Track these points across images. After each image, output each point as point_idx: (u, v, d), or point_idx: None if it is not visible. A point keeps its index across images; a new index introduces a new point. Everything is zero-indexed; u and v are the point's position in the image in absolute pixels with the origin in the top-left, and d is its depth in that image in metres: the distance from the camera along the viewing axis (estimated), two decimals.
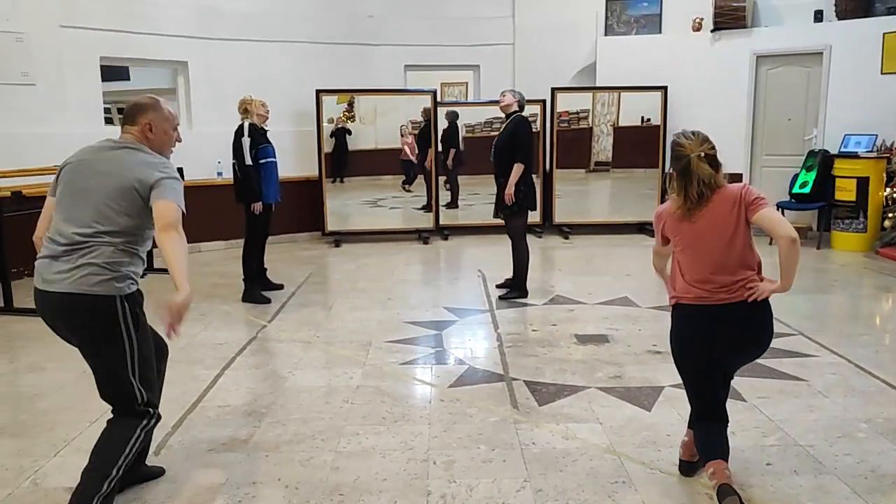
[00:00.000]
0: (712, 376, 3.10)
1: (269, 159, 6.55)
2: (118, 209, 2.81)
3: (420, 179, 10.22)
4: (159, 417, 3.04)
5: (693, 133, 3.02)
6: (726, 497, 2.83)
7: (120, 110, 16.18)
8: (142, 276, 2.96)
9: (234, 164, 6.51)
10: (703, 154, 2.96)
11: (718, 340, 3.03)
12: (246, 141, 6.36)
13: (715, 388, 3.11)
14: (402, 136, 10.18)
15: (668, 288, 3.18)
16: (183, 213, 2.85)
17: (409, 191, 10.28)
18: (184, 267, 2.76)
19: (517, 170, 6.22)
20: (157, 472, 3.30)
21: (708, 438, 3.07)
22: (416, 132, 10.09)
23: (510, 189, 6.23)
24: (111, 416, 2.97)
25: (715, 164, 2.97)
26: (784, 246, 2.86)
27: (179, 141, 3.16)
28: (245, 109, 6.52)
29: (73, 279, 2.76)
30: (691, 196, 2.95)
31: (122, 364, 2.86)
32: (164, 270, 2.70)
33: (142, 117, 2.98)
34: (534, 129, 9.87)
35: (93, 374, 2.95)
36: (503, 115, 6.60)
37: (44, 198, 3.15)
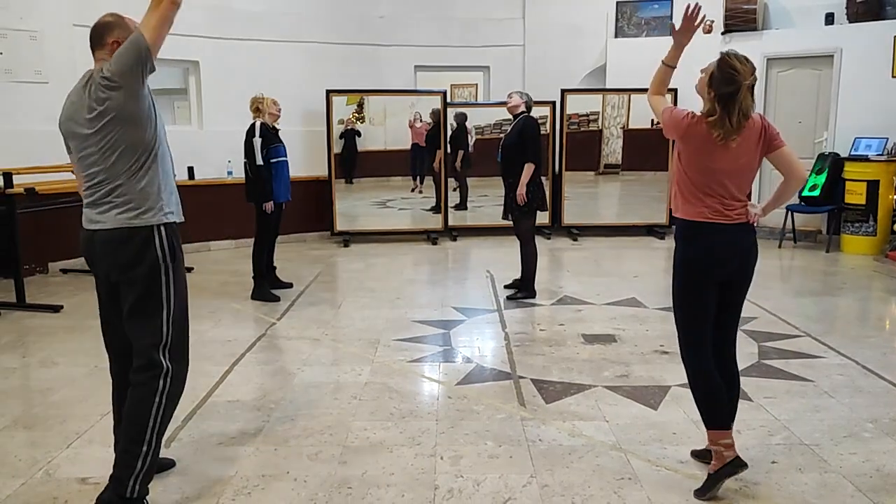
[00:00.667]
0: (712, 308, 3.15)
1: (281, 158, 6.60)
2: (107, 146, 2.76)
3: (429, 181, 10.26)
4: (178, 376, 2.92)
5: (745, 58, 2.99)
6: (739, 468, 3.01)
7: None
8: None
9: (245, 164, 6.56)
10: (750, 84, 2.95)
11: (729, 263, 3.09)
12: (257, 141, 6.40)
13: (711, 325, 3.17)
14: (412, 123, 10.20)
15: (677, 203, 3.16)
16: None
17: (420, 191, 10.32)
18: (156, 8, 2.67)
19: (528, 170, 6.24)
20: (168, 464, 3.31)
21: (715, 402, 3.12)
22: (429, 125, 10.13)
23: (521, 189, 6.25)
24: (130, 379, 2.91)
25: (752, 94, 2.99)
26: (795, 186, 3.06)
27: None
28: (257, 108, 6.55)
29: (108, 222, 2.81)
30: (732, 123, 2.93)
31: (157, 302, 2.84)
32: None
33: (108, 36, 2.82)
34: (543, 131, 9.91)
35: (123, 320, 2.90)
36: (511, 117, 6.62)
37: (57, 195, 3.17)
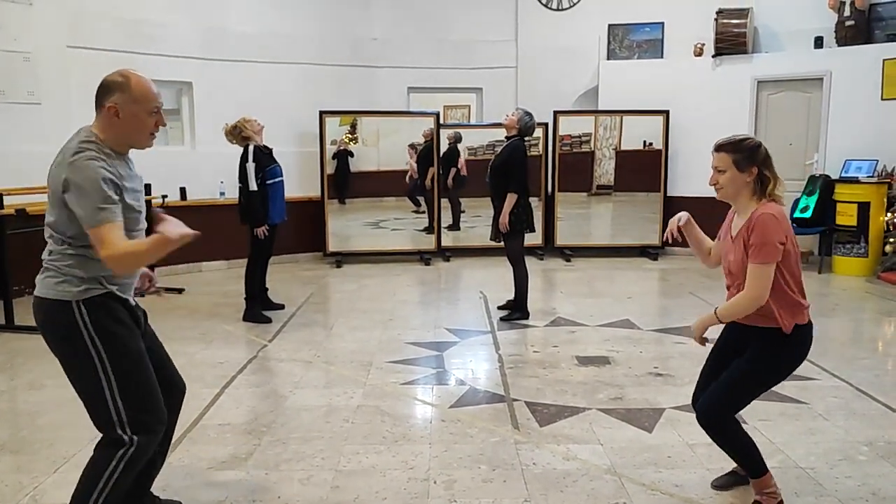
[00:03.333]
0: None
1: (277, 179, 6.58)
2: (53, 204, 2.56)
3: (422, 201, 10.28)
4: (142, 447, 2.64)
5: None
6: None
7: None
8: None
9: (239, 188, 6.53)
10: None
11: None
12: (251, 166, 6.36)
13: None
14: (410, 156, 10.25)
15: (782, 313, 2.92)
16: (109, 220, 2.47)
17: (420, 212, 10.33)
18: (142, 250, 2.50)
19: (510, 199, 6.26)
20: None
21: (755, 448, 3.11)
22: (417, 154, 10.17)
23: (504, 219, 6.28)
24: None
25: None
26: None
27: (162, 125, 2.72)
28: (242, 135, 6.48)
29: (38, 282, 2.64)
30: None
31: (93, 381, 2.60)
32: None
33: (106, 99, 2.58)
34: (536, 153, 9.97)
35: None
36: (505, 137, 6.63)
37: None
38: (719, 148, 3.05)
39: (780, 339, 2.94)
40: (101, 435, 2.69)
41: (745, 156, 2.99)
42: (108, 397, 2.60)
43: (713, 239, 3.31)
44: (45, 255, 2.65)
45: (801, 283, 2.98)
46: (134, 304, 2.79)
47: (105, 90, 2.61)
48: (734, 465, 3.32)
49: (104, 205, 2.47)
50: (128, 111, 2.59)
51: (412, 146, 10.25)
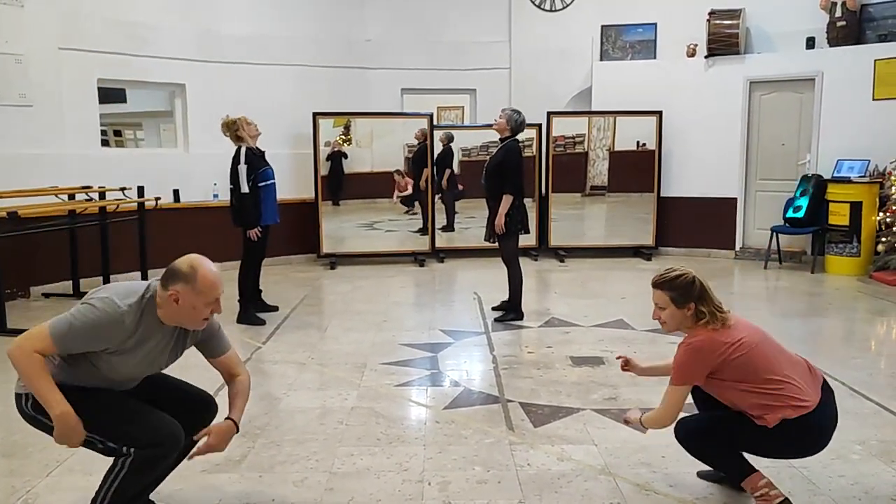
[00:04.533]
0: None
1: (269, 181, 6.56)
2: None
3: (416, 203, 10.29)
4: (150, 454, 2.77)
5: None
6: None
7: (116, 132, 16.29)
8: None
9: (231, 189, 6.52)
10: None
11: None
12: (243, 168, 6.34)
13: None
14: (396, 178, 10.24)
15: (753, 414, 2.99)
16: (59, 336, 2.66)
17: (413, 213, 10.33)
18: (35, 382, 2.68)
19: (506, 201, 6.26)
20: None
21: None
22: (409, 164, 10.17)
23: (500, 220, 6.28)
24: None
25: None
26: None
27: (218, 312, 2.84)
28: (237, 135, 6.47)
29: None
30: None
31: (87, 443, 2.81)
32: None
33: (170, 285, 2.71)
34: (530, 154, 9.97)
35: None
36: (498, 139, 6.63)
37: (39, 219, 3.13)
38: (655, 285, 3.11)
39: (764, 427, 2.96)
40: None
41: (680, 293, 3.03)
42: (96, 440, 2.78)
43: None
44: None
45: (784, 380, 2.96)
46: None
47: (172, 276, 2.72)
48: None
49: (67, 324, 2.65)
50: (188, 301, 2.70)
51: (398, 172, 10.23)
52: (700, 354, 2.99)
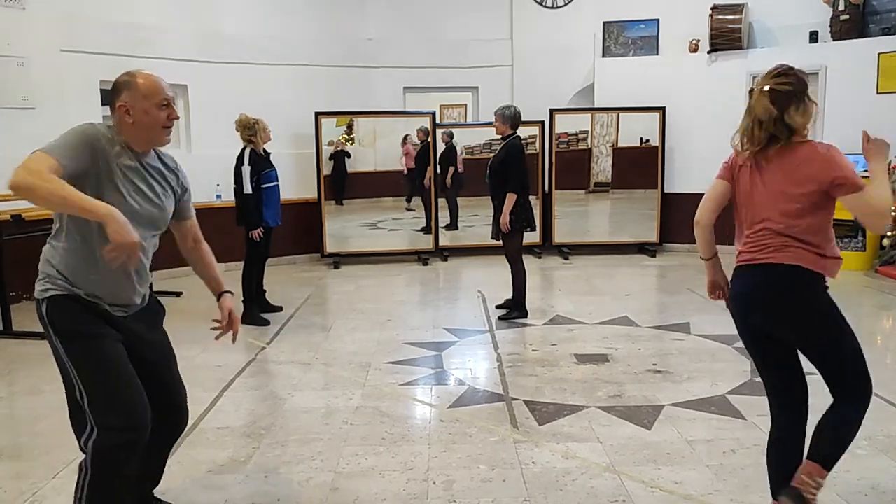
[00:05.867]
0: (763, 358, 2.95)
1: (273, 183, 6.58)
2: None
3: (419, 201, 10.27)
4: (113, 441, 2.56)
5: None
6: None
7: None
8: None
9: (235, 190, 6.54)
10: (768, 88, 2.70)
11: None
12: (246, 169, 6.36)
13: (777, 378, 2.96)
14: (404, 146, 10.23)
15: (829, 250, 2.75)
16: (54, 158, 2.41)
17: (410, 209, 10.32)
18: (67, 196, 2.33)
19: (510, 199, 6.25)
20: None
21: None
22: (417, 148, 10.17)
23: (504, 218, 6.28)
24: None
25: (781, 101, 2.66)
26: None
27: (176, 118, 2.72)
28: (250, 136, 6.47)
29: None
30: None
31: (64, 374, 2.62)
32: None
33: (116, 99, 2.62)
34: (533, 151, 9.96)
35: None
36: (500, 138, 6.63)
37: (43, 221, 3.06)
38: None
39: (822, 280, 2.74)
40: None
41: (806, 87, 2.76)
42: (77, 397, 2.63)
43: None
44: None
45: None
46: (121, 315, 2.72)
47: (114, 91, 2.63)
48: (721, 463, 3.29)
49: (60, 142, 2.46)
50: (138, 107, 2.60)
51: (406, 138, 10.21)
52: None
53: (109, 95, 2.66)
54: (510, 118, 6.41)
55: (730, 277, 2.91)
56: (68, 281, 2.61)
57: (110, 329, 2.67)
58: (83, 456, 2.64)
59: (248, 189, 6.36)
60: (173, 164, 2.89)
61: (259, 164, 6.44)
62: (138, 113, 2.60)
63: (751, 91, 2.77)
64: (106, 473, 2.58)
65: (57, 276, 2.61)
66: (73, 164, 2.45)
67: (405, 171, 10.27)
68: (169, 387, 2.94)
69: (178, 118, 2.77)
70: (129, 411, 2.60)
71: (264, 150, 6.59)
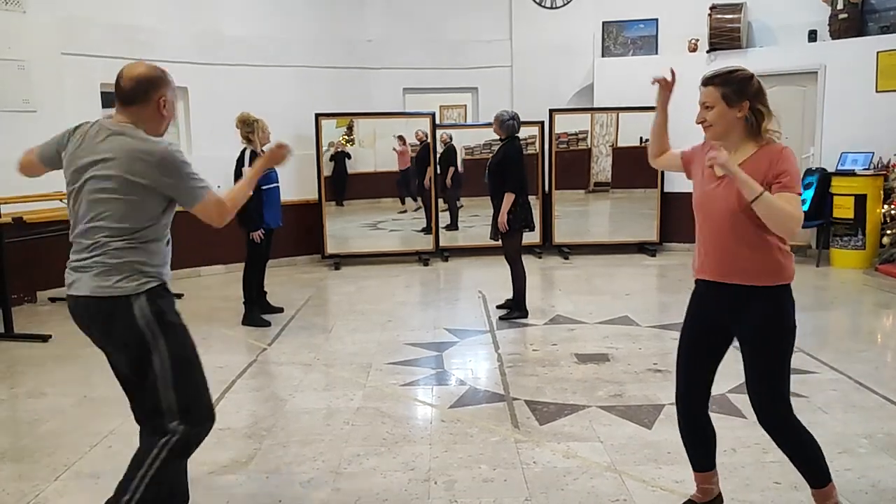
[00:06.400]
0: None
1: (273, 184, 6.59)
2: (121, 195, 2.63)
3: (419, 201, 10.29)
4: (196, 433, 2.73)
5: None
6: None
7: None
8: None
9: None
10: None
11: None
12: (247, 170, 6.38)
13: None
14: (399, 145, 10.24)
15: (786, 261, 2.78)
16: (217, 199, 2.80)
17: (406, 210, 10.33)
18: (239, 189, 2.93)
19: (507, 199, 6.27)
20: None
21: None
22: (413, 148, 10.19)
23: (502, 218, 6.29)
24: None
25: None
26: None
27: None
28: (248, 136, 6.51)
29: (84, 281, 2.65)
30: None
31: (151, 371, 2.65)
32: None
33: (155, 93, 2.71)
34: (533, 151, 9.97)
35: (125, 386, 2.81)
36: (499, 139, 6.65)
37: (45, 224, 3.07)
38: (707, 82, 2.79)
39: (784, 292, 2.77)
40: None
41: (735, 89, 2.72)
42: (160, 386, 2.65)
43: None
44: (86, 254, 2.65)
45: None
46: None
47: (152, 84, 2.71)
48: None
49: (197, 178, 2.72)
50: (170, 102, 2.76)
51: (400, 137, 10.23)
52: (794, 158, 2.72)
53: (142, 87, 2.69)
54: (508, 129, 6.45)
55: None
56: (161, 270, 2.74)
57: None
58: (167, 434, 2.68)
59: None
60: None
61: None
62: (170, 107, 2.75)
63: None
64: (178, 462, 2.75)
65: (151, 270, 2.69)
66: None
67: (398, 171, 10.29)
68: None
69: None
70: (210, 404, 2.86)
71: (262, 151, 6.59)
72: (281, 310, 6.96)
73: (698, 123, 2.85)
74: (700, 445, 2.99)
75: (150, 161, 2.62)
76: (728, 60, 9.65)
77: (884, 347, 5.94)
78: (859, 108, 8.87)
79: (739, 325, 2.80)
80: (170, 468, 2.68)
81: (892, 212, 8.20)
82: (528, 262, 6.73)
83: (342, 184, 10.11)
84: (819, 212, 8.77)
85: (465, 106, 12.49)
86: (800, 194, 2.70)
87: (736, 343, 2.89)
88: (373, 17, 10.53)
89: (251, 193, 2.96)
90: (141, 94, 2.69)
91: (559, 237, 10.22)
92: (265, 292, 6.93)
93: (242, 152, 6.49)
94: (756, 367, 2.82)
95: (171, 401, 2.67)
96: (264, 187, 6.47)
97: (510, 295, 6.66)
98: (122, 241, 2.63)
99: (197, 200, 2.71)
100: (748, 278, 2.73)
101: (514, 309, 6.59)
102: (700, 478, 3.02)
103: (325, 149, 9.75)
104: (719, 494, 3.03)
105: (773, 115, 2.78)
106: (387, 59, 10.42)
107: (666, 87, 3.15)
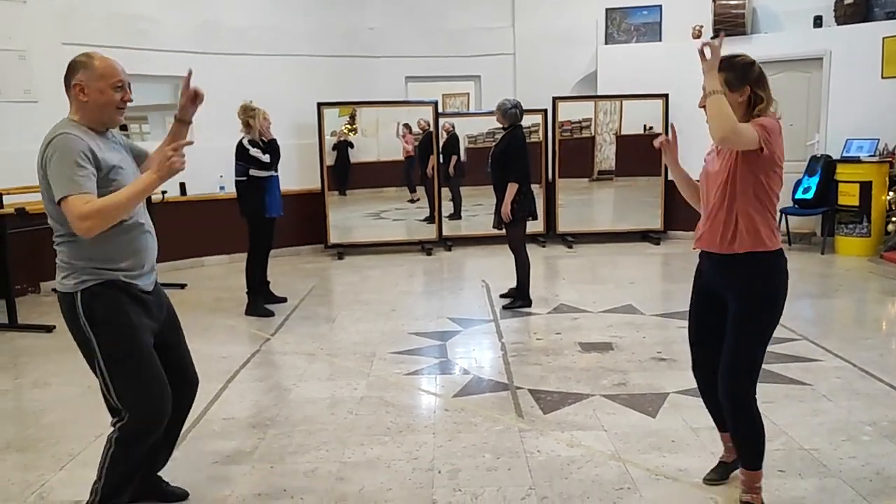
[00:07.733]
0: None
1: (270, 173, 6.59)
2: (44, 195, 2.67)
3: (422, 191, 10.26)
4: (139, 426, 2.73)
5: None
6: None
7: (122, 126, 16.30)
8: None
9: (236, 181, 6.56)
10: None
11: None
12: (256, 151, 6.43)
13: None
14: (403, 134, 10.20)
15: (768, 232, 2.82)
16: (84, 192, 2.54)
17: (414, 200, 10.30)
18: (118, 199, 2.59)
19: (511, 189, 6.25)
20: (181, 495, 3.20)
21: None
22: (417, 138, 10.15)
23: (506, 208, 6.27)
24: None
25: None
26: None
27: (129, 101, 2.83)
28: (247, 122, 6.51)
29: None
30: None
31: (94, 367, 2.75)
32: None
33: (72, 78, 2.72)
34: (536, 139, 9.93)
35: None
36: (502, 127, 6.62)
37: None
38: None
39: (767, 261, 2.82)
40: (103, 443, 2.82)
41: (738, 74, 2.79)
42: (102, 383, 2.74)
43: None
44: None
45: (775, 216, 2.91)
46: (150, 289, 2.86)
47: (71, 70, 2.73)
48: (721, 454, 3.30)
49: (75, 176, 2.55)
50: (93, 87, 2.70)
51: (406, 125, 10.19)
52: (777, 131, 2.77)
53: (65, 76, 2.76)
54: (511, 117, 6.43)
55: None
56: (105, 266, 2.70)
57: (143, 318, 2.79)
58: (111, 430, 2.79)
59: (265, 160, 6.43)
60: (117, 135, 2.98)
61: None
62: (93, 92, 2.70)
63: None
64: (128, 452, 2.75)
65: (88, 265, 2.68)
66: (92, 182, 2.59)
67: (404, 160, 10.26)
68: (187, 368, 3.10)
69: (131, 101, 2.86)
70: (156, 401, 2.78)
71: (262, 140, 6.57)
72: (284, 299, 6.96)
73: (700, 107, 2.90)
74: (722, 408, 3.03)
75: (41, 149, 2.64)
76: (733, 46, 9.56)
77: (888, 335, 5.92)
78: (865, 95, 8.81)
79: (727, 291, 2.90)
80: (121, 461, 2.74)
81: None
82: (532, 250, 6.72)
83: (345, 173, 10.09)
84: (824, 199, 8.73)
85: (468, 94, 12.45)
86: (767, 148, 2.75)
87: None
88: (375, 5, 10.49)
89: (131, 209, 2.69)
90: (66, 83, 2.75)
91: (563, 226, 10.20)
92: (268, 282, 6.93)
93: (241, 141, 6.48)
94: (732, 337, 2.88)
95: (114, 397, 2.75)
96: (264, 176, 6.48)
97: (514, 284, 6.65)
98: (59, 238, 2.72)
99: (60, 194, 2.54)
100: (730, 246, 2.82)
101: (518, 298, 6.58)
102: (727, 437, 3.16)
103: (327, 138, 9.73)
104: None
105: (774, 101, 2.86)
106: (389, 48, 10.38)
107: (668, 147, 3.34)
